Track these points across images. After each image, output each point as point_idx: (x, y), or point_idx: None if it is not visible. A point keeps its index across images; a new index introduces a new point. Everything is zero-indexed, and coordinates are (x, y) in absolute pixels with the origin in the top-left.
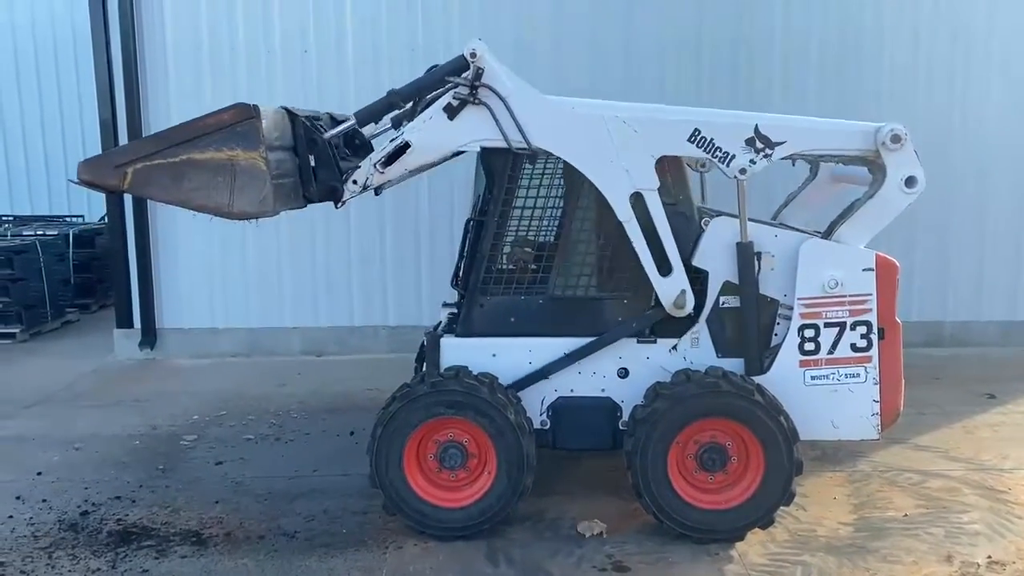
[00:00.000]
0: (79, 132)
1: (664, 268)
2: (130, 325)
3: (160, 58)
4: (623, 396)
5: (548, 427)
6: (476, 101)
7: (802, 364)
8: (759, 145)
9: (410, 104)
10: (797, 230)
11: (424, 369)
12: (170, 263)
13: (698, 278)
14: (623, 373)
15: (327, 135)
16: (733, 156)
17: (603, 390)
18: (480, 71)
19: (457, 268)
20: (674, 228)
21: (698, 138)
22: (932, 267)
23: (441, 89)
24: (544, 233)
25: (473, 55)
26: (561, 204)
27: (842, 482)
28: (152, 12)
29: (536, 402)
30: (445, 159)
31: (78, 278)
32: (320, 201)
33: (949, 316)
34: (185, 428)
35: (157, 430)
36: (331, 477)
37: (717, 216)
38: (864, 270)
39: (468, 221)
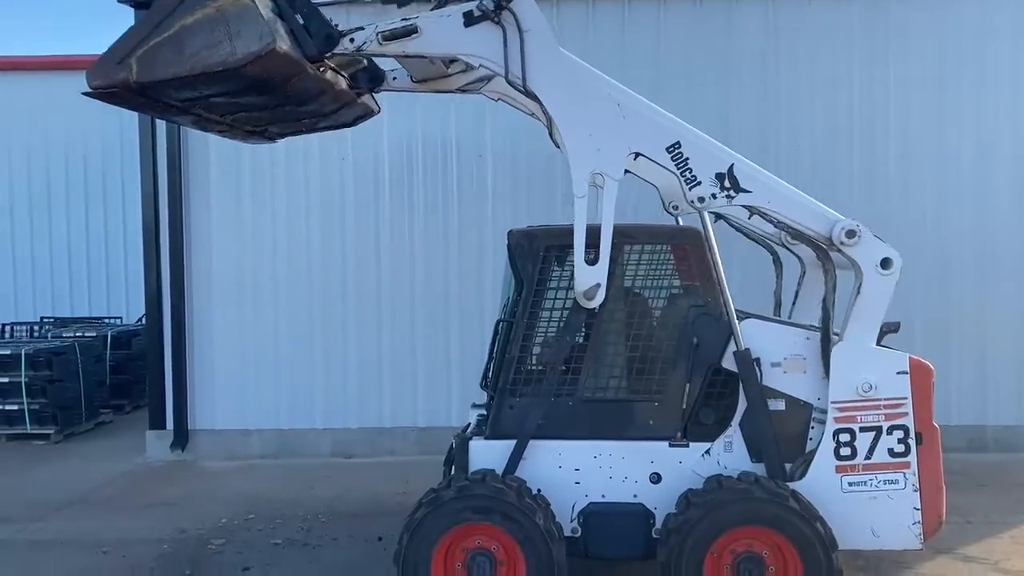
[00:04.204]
0: (121, 238)
1: (592, 258)
2: (163, 426)
3: (203, 170)
4: (656, 502)
5: (579, 534)
6: (496, 20)
7: (838, 470)
8: (726, 184)
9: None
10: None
11: (452, 472)
12: (205, 363)
13: (729, 381)
14: (655, 478)
15: None
16: (699, 183)
17: (635, 496)
18: None
19: (487, 369)
20: (703, 330)
21: (675, 152)
22: (970, 369)
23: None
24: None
25: None
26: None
27: None
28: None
29: (567, 507)
30: (436, 62)
31: (114, 379)
32: (320, 55)
33: (991, 420)
34: (213, 532)
35: (185, 534)
36: None
37: (746, 318)
38: (898, 373)
39: (498, 322)
